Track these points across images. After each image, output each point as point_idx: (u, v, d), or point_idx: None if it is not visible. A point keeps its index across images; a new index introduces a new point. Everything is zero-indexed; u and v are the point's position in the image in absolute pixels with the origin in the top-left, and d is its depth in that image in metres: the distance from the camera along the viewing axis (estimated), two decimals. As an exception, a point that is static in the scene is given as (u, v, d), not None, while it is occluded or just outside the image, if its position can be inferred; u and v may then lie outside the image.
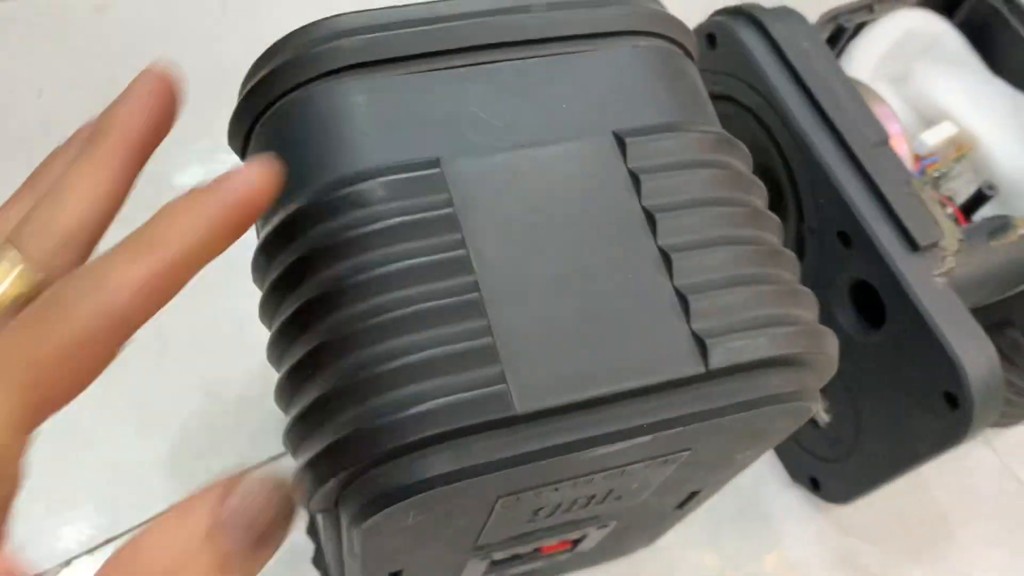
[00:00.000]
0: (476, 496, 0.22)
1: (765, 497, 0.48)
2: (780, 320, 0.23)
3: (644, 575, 0.44)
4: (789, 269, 0.25)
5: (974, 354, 0.35)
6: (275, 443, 0.41)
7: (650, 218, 0.23)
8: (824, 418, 0.44)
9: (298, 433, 0.22)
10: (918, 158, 0.50)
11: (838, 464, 0.44)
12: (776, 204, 0.41)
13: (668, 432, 0.22)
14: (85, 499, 0.43)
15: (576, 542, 0.35)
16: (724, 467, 0.31)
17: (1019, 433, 0.52)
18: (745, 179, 0.25)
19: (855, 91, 0.40)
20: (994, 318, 0.43)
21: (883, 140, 0.39)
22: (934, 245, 0.37)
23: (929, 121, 0.46)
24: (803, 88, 0.40)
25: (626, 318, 0.22)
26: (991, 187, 0.46)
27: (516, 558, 0.34)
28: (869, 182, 0.38)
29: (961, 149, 0.46)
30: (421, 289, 0.21)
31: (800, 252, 0.41)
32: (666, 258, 0.22)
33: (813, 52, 0.40)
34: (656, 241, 0.23)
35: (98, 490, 0.43)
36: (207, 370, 0.47)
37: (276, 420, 0.23)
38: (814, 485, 0.46)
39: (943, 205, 0.45)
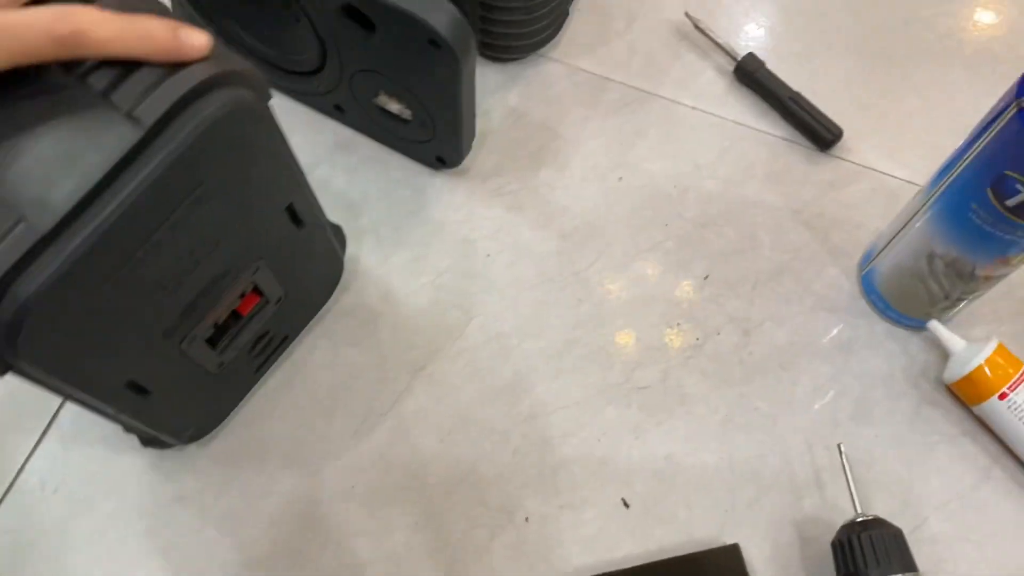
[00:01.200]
0: (84, 293, 0.34)
1: (420, 193, 0.61)
2: (169, 74, 0.34)
3: (369, 286, 0.58)
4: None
5: (429, 7, 0.47)
6: None
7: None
8: (408, 113, 0.57)
9: None
10: None
11: (438, 137, 0.57)
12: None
13: (161, 188, 0.33)
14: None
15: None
16: (252, 185, 0.42)
17: (566, 39, 0.66)
18: None
19: None
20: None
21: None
22: (364, -49, 0.48)
23: None
24: None
25: (82, 134, 0.32)
26: None
27: (226, 331, 0.46)
28: (297, -66, 0.48)
29: None
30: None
31: (308, 15, 0.52)
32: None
33: None
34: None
35: None
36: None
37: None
38: (442, 162, 0.60)
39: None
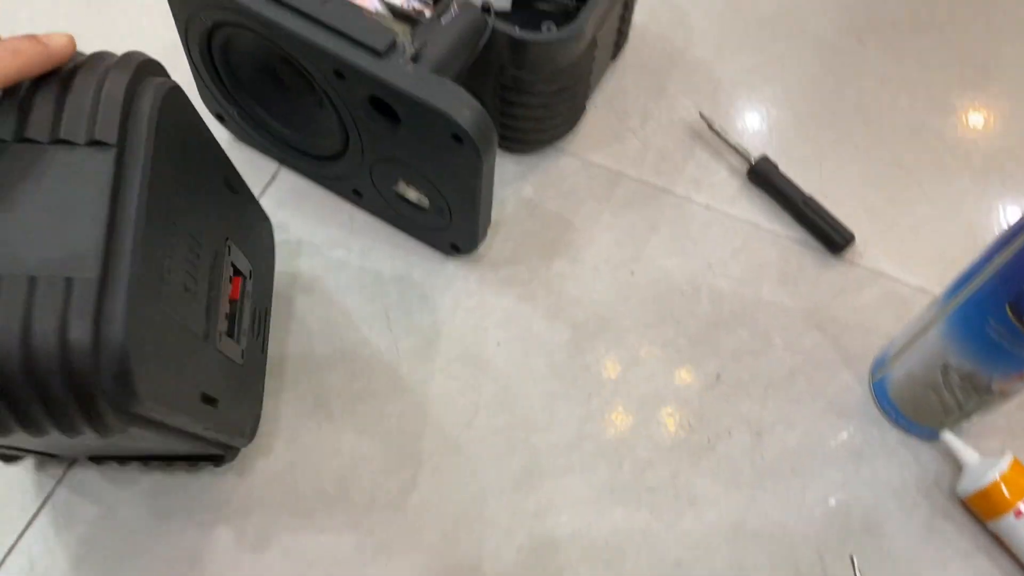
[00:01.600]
0: (149, 320, 0.34)
1: (433, 278, 0.61)
2: (96, 90, 0.35)
3: (377, 368, 0.57)
4: None
5: (454, 102, 0.48)
6: None
7: None
8: (425, 202, 0.57)
9: None
10: None
11: (454, 225, 0.57)
12: (305, 79, 0.52)
13: (155, 191, 0.35)
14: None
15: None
16: (199, 161, 0.44)
17: (581, 134, 0.68)
18: None
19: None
20: (495, 68, 0.57)
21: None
22: (392, 45, 0.49)
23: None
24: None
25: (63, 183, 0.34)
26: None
27: (233, 319, 0.48)
28: (328, 28, 0.49)
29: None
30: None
31: (329, 98, 0.53)
32: None
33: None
34: None
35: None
36: None
37: None
38: (456, 249, 0.60)
39: (422, 13, 0.58)
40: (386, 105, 0.50)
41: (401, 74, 0.48)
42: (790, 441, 0.55)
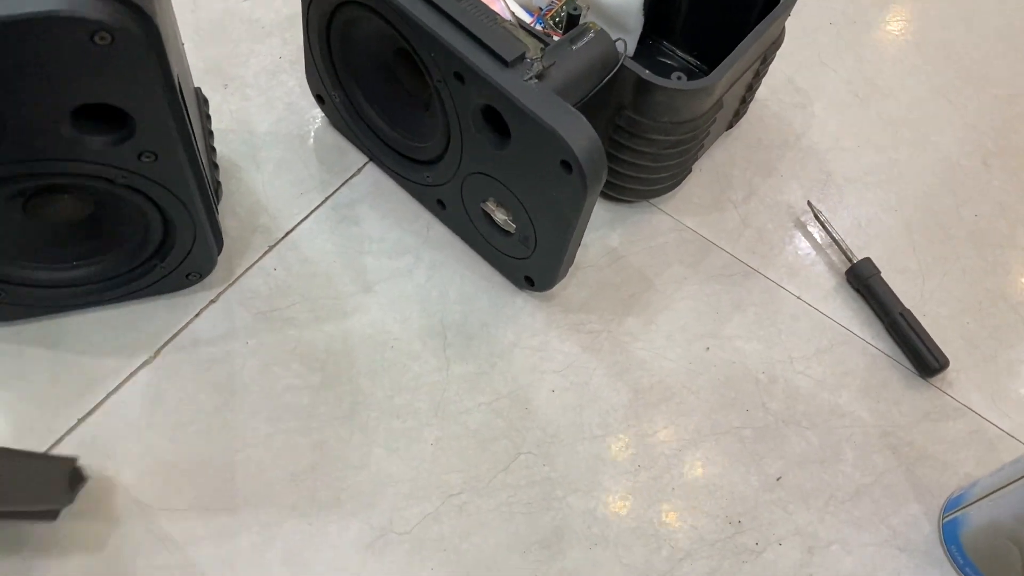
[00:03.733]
0: None
1: (499, 308, 0.58)
2: None
3: (423, 387, 0.54)
4: None
5: (571, 128, 0.45)
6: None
7: None
8: (512, 226, 0.54)
9: None
10: (539, 9, 0.61)
11: (535, 257, 0.54)
12: (417, 69, 0.50)
13: None
14: None
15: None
16: None
17: (681, 195, 0.64)
18: None
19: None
20: (612, 105, 0.54)
21: (467, -3, 0.48)
22: (521, 58, 0.47)
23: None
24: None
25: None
26: (576, 8, 0.57)
27: None
28: (460, 27, 0.47)
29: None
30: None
31: (441, 101, 0.51)
32: None
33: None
34: None
35: None
36: None
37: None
38: (530, 283, 0.57)
39: (550, 36, 0.56)
40: (499, 118, 0.48)
41: (523, 88, 0.46)
42: (844, 566, 0.50)
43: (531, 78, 0.46)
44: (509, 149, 0.49)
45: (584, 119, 0.46)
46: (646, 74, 0.52)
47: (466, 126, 0.51)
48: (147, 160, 0.43)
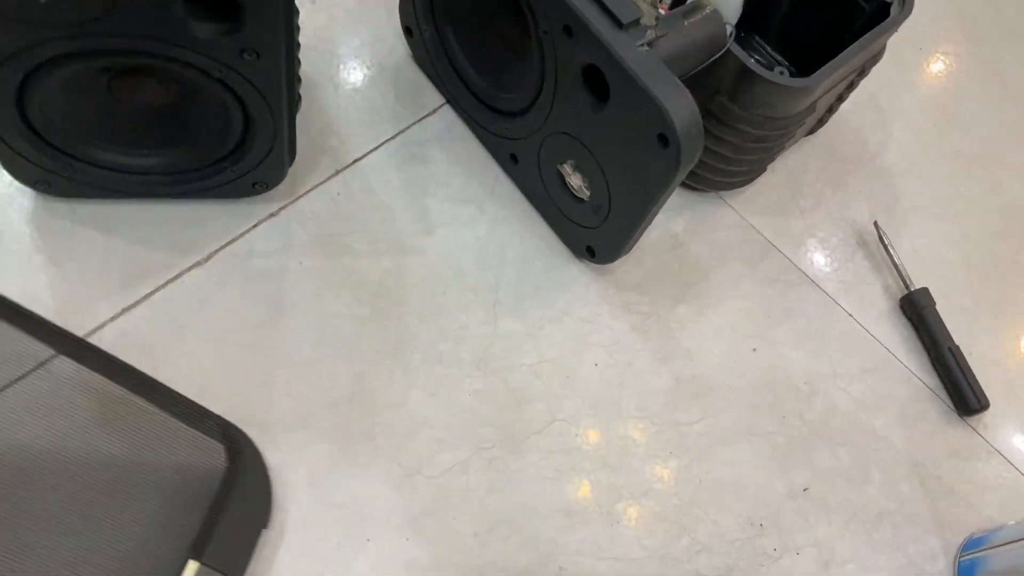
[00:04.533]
0: None
1: (555, 273, 0.57)
2: None
3: (469, 338, 0.53)
4: None
5: (675, 101, 0.44)
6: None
7: None
8: (586, 193, 0.54)
9: None
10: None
11: (603, 228, 0.54)
12: (520, 17, 0.49)
13: None
14: None
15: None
16: None
17: (750, 193, 0.64)
18: None
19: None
20: (707, 89, 0.53)
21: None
22: (636, 23, 0.46)
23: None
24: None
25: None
26: (687, -17, 0.55)
27: None
28: (579, -19, 0.46)
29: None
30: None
31: (541, 53, 0.50)
32: None
33: None
34: None
35: None
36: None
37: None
38: (591, 253, 0.56)
39: (655, 7, 0.54)
40: (600, 79, 0.47)
41: (633, 53, 0.45)
42: (856, 586, 0.50)
43: (643, 44, 0.45)
44: (604, 114, 0.48)
45: (690, 95, 0.45)
46: (751, 63, 0.51)
47: (562, 83, 0.50)
48: (248, 58, 0.42)
